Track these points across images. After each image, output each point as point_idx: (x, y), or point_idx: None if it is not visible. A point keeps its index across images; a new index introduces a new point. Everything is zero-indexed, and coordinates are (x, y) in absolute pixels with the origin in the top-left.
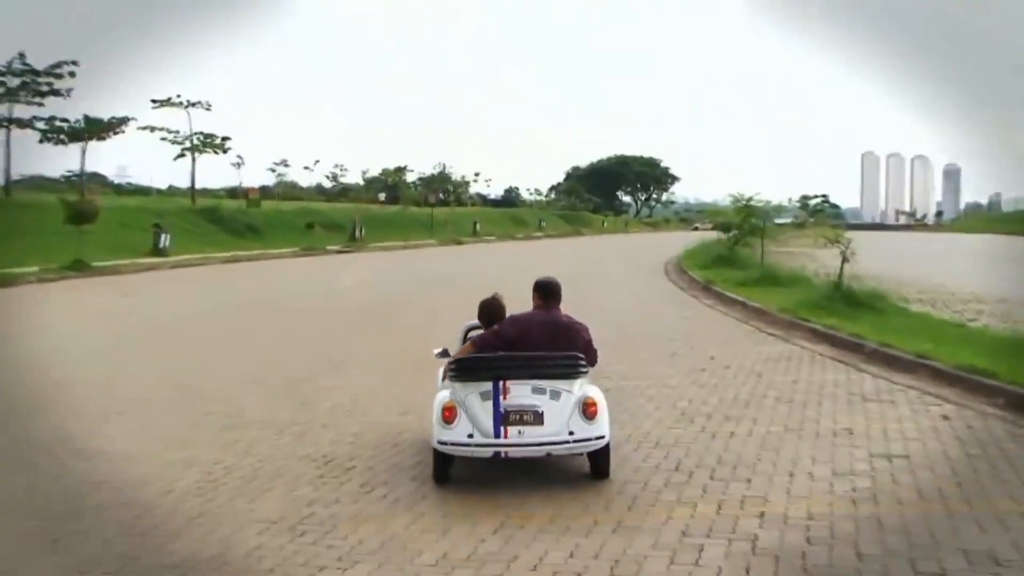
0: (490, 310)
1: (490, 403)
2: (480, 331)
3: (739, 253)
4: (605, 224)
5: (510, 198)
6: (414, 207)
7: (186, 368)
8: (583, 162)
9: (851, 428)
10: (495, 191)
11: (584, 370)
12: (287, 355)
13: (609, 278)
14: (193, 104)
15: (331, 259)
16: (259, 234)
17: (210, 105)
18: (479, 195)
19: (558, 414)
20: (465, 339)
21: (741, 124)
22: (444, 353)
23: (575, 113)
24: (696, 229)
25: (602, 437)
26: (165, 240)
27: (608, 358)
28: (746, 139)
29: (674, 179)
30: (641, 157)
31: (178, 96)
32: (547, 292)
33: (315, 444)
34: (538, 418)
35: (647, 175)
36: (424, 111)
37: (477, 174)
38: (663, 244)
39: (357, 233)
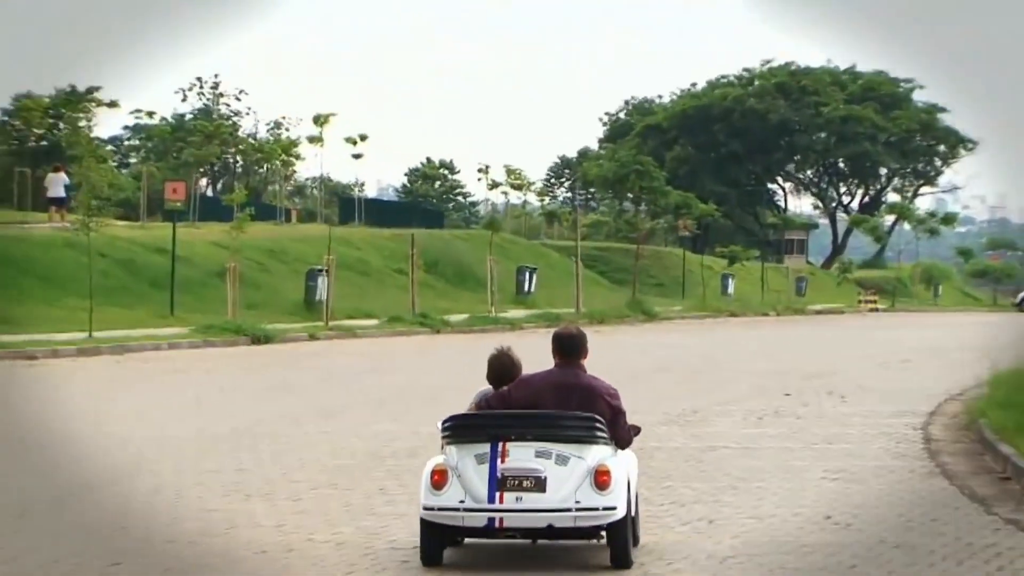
0: (500, 369)
1: (486, 466)
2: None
3: None
4: (730, 285)
5: (426, 204)
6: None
7: None
8: (658, 90)
9: None
10: (386, 177)
11: (602, 435)
12: None
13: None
14: None
15: None
16: None
17: None
18: (330, 187)
19: (563, 481)
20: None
21: None
22: None
23: None
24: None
25: (612, 509)
26: None
27: None
28: None
29: (957, 147)
30: (853, 73)
31: None
32: (567, 348)
33: None
34: (539, 484)
35: (867, 131)
36: None
37: (324, 122)
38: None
39: None
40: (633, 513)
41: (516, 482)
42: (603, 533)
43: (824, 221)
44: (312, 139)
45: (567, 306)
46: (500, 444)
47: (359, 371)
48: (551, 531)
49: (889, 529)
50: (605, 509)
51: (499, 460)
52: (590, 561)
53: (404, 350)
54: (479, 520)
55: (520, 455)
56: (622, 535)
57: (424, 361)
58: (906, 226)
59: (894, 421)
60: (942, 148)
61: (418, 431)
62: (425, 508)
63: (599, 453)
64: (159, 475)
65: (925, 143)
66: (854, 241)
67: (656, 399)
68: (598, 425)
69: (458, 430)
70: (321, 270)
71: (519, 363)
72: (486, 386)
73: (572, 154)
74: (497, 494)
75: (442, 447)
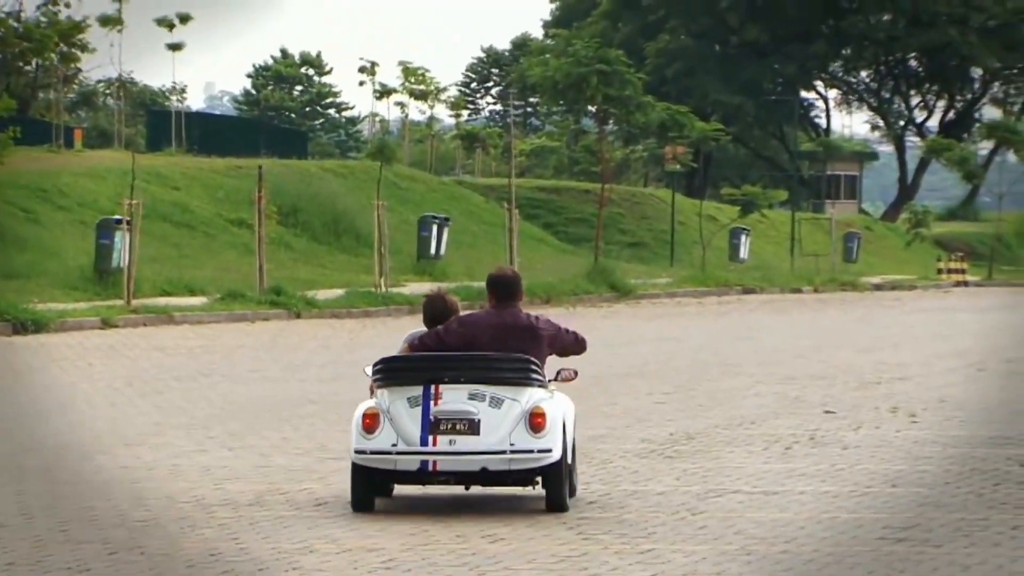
0: (434, 310)
1: (418, 409)
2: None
3: None
4: (744, 246)
5: (280, 120)
6: None
7: None
8: None
9: None
10: (219, 80)
11: (537, 377)
12: None
13: None
14: None
15: None
16: None
17: None
18: (134, 94)
19: (497, 424)
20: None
21: None
22: None
23: None
24: None
25: (548, 451)
26: None
27: None
28: None
29: None
30: None
31: None
32: (503, 290)
33: None
34: (473, 427)
35: (954, 11)
36: None
37: None
38: None
39: None
40: (569, 460)
41: (449, 425)
42: (538, 480)
43: (887, 149)
44: (107, 21)
45: None
46: (433, 387)
47: (177, 375)
48: (485, 475)
49: None
50: (540, 452)
51: (432, 403)
52: (524, 508)
53: (246, 343)
54: (412, 463)
55: (453, 397)
56: (557, 479)
57: (277, 360)
58: (1011, 156)
59: (991, 452)
60: None
61: (266, 464)
62: (357, 452)
63: (534, 396)
64: None
65: None
66: (932, 179)
67: (631, 419)
68: (533, 367)
69: (390, 372)
70: (119, 221)
71: (455, 305)
72: (420, 328)
73: (504, 45)
74: (430, 437)
75: (371, 391)
